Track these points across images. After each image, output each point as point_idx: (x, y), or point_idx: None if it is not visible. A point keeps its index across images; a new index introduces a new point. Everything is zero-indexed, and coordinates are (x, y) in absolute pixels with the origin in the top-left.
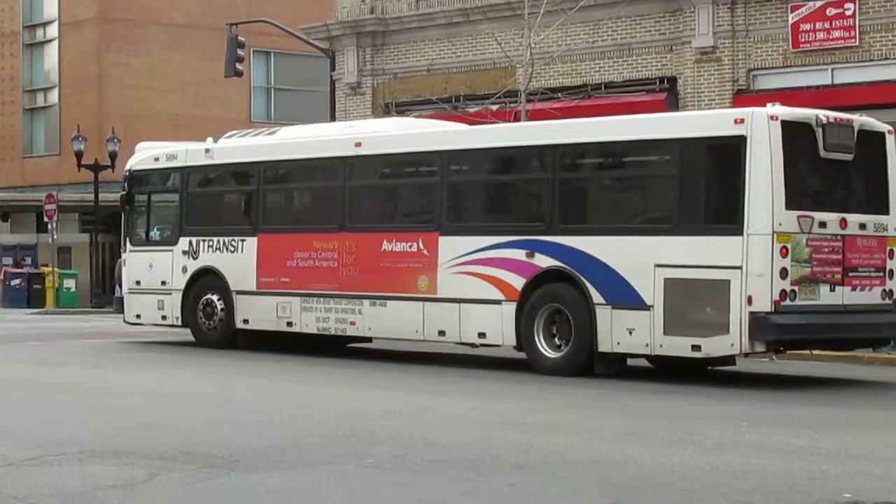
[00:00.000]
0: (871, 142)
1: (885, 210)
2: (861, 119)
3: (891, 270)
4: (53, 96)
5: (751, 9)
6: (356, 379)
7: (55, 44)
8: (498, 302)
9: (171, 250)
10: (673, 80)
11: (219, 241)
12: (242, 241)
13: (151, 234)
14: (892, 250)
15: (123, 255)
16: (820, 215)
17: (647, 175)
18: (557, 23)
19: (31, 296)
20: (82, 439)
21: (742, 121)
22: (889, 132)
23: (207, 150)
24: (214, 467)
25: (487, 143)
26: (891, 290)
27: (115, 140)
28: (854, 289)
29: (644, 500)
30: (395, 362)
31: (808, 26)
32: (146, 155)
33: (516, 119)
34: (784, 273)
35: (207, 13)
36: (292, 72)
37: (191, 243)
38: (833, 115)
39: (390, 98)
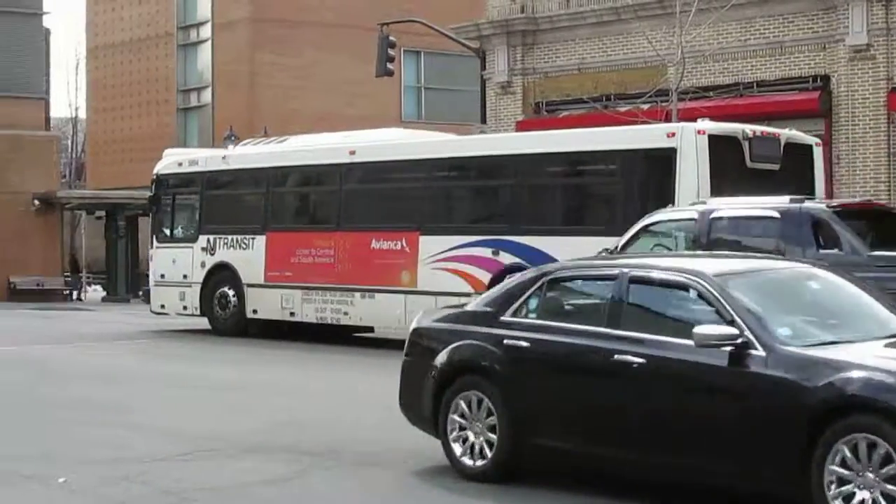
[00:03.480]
0: (799, 153)
1: None
2: (789, 133)
3: None
4: (207, 96)
5: None
6: None
7: (208, 44)
8: (468, 294)
9: (192, 247)
10: (826, 79)
11: (233, 239)
12: (253, 238)
13: (175, 232)
14: None
15: (150, 251)
16: None
17: (594, 182)
18: (709, 21)
19: None
20: (230, 435)
21: (673, 134)
22: (816, 144)
23: (224, 157)
24: (364, 465)
25: (462, 153)
26: None
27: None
28: None
29: None
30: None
31: None
32: (171, 160)
33: (668, 119)
34: None
35: (358, 13)
36: (443, 71)
37: (209, 241)
38: (759, 129)
39: (541, 97)
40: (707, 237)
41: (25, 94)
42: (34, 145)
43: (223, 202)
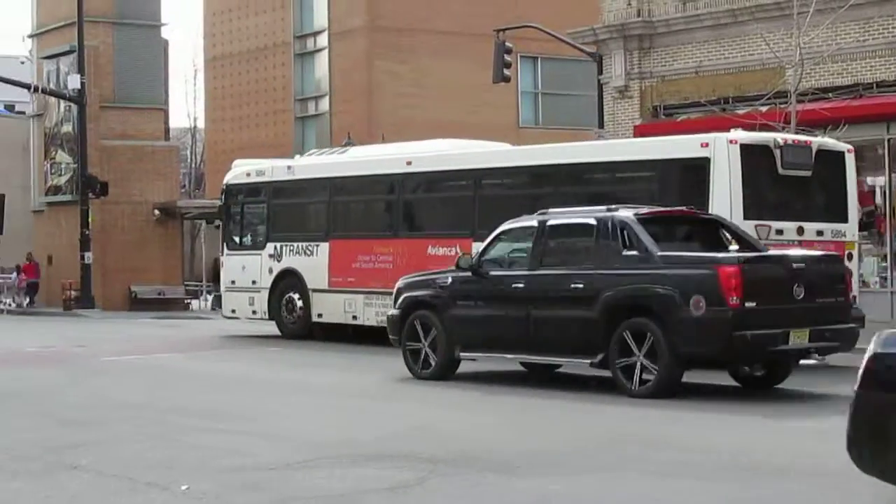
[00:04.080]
0: (831, 160)
1: (843, 219)
2: (820, 140)
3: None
4: (324, 104)
5: None
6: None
7: (325, 53)
8: None
9: (260, 254)
10: None
11: (298, 246)
12: (317, 245)
13: (244, 239)
14: (850, 253)
15: (221, 258)
16: (777, 224)
17: (636, 190)
18: (827, 21)
19: None
20: (354, 442)
21: (707, 145)
22: (849, 151)
23: (289, 167)
24: (489, 472)
25: (510, 163)
26: None
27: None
28: None
29: None
30: None
31: None
32: (240, 171)
33: (786, 121)
34: None
35: (474, 20)
36: (559, 76)
37: (276, 248)
38: (791, 137)
39: (658, 101)
40: (544, 241)
41: (145, 105)
42: (154, 156)
43: (289, 211)
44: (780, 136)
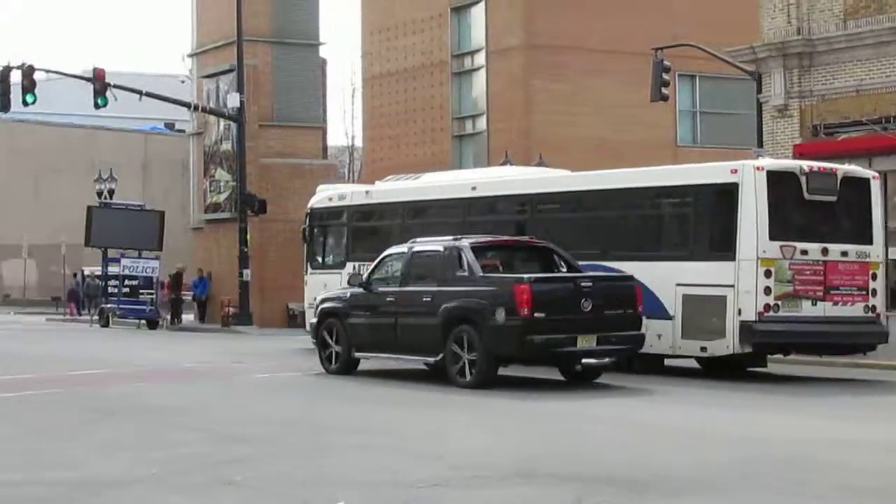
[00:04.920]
0: (856, 186)
1: (868, 241)
2: (846, 167)
3: (874, 289)
4: (481, 123)
5: None
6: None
7: (482, 71)
8: None
9: (341, 273)
10: None
11: None
12: None
13: (326, 259)
14: (874, 273)
15: (305, 277)
16: (802, 245)
17: (671, 214)
18: None
19: None
20: (501, 460)
21: (736, 171)
22: (874, 178)
23: (367, 192)
24: (637, 492)
25: (560, 188)
26: (873, 306)
27: (543, 165)
28: (836, 303)
29: None
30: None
31: None
32: (323, 195)
33: None
34: (768, 290)
35: (629, 38)
36: (718, 95)
37: (355, 267)
38: (817, 164)
39: (818, 120)
40: (410, 263)
41: (304, 124)
42: (312, 174)
43: (366, 232)
44: (805, 164)
